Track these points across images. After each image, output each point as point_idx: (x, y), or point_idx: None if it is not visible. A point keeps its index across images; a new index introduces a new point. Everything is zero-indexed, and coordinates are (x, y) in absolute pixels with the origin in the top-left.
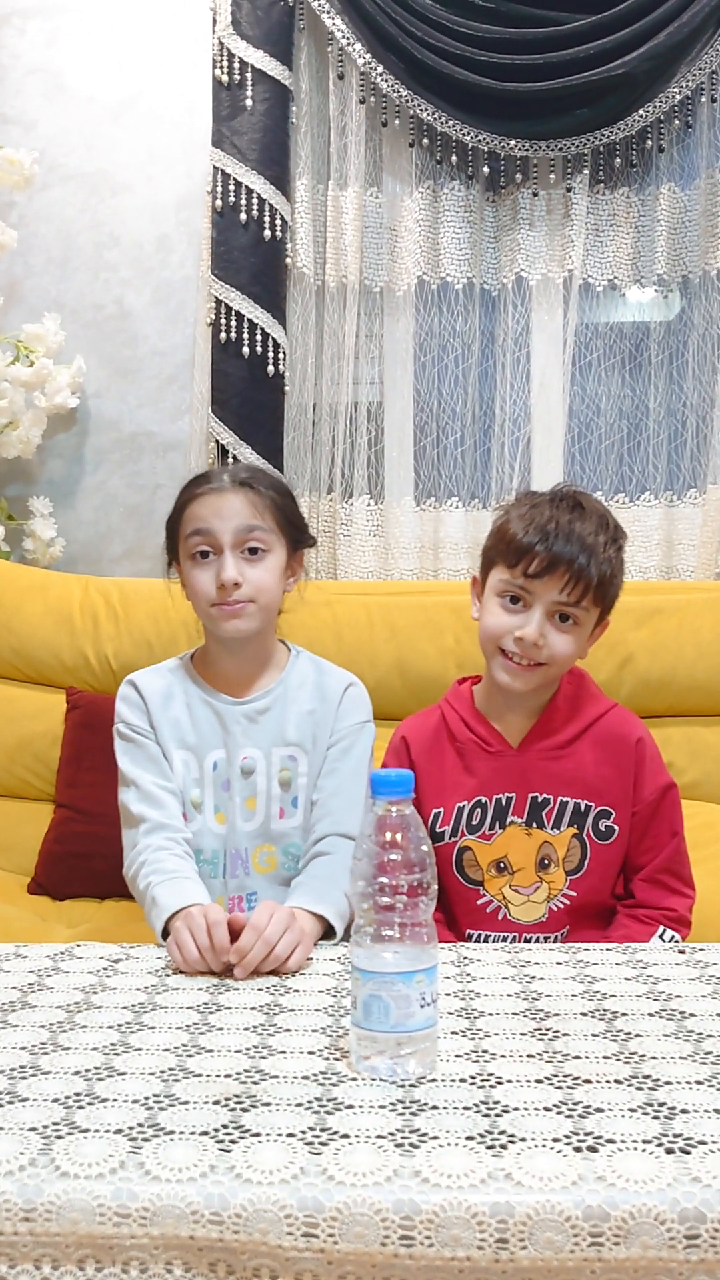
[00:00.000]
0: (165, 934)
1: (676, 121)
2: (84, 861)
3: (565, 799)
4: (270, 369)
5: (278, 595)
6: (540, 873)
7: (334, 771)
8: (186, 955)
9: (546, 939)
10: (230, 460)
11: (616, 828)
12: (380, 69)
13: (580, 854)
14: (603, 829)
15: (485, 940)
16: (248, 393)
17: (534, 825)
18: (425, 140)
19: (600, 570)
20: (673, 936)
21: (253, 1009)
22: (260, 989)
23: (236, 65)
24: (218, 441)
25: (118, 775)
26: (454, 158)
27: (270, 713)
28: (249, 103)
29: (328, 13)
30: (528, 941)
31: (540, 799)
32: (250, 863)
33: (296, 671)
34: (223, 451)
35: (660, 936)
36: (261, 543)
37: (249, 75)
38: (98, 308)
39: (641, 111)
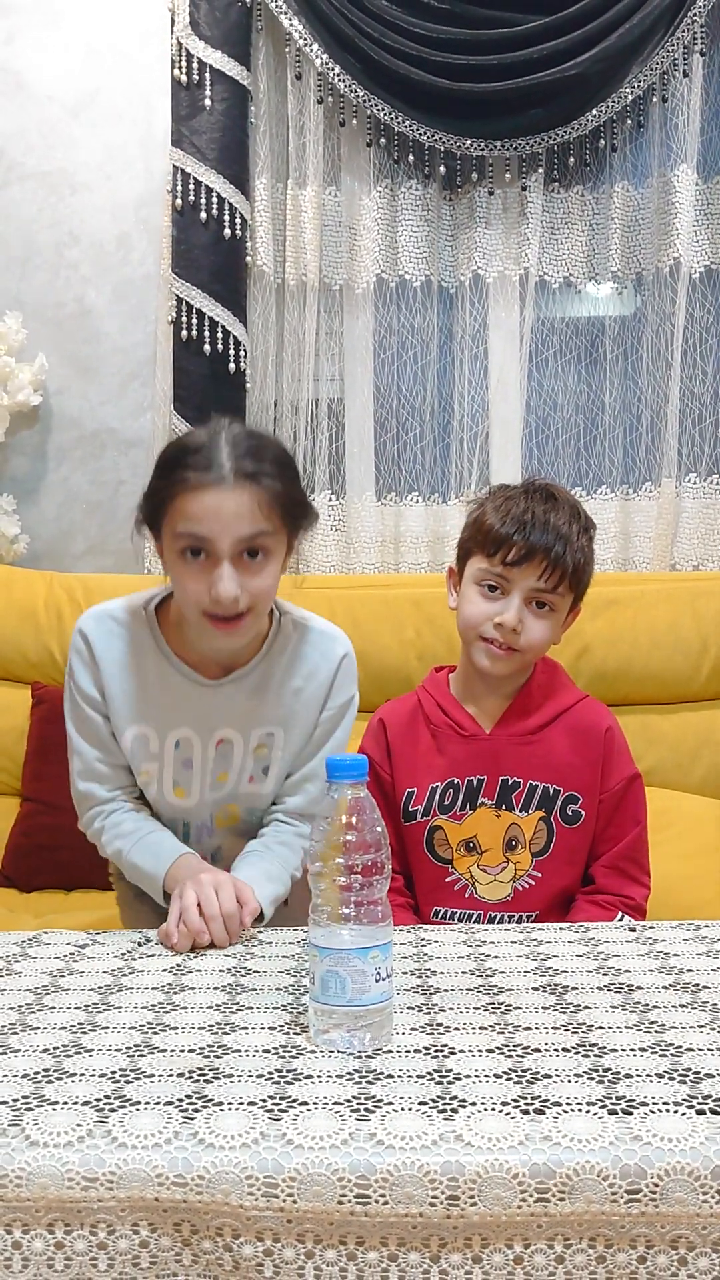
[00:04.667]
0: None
1: (629, 121)
2: (51, 853)
3: (535, 783)
4: (231, 366)
5: (275, 592)
6: (507, 853)
7: (316, 753)
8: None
9: (511, 918)
10: None
11: (583, 813)
12: (338, 69)
13: (546, 837)
14: (570, 814)
15: (451, 918)
16: (209, 390)
17: (503, 807)
18: (383, 140)
19: (575, 558)
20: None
21: (216, 989)
22: (223, 970)
23: (195, 65)
24: None
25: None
26: (411, 157)
27: (253, 694)
28: (208, 102)
29: (285, 14)
30: (492, 920)
31: (510, 782)
32: (214, 824)
33: (281, 641)
34: None
35: (618, 921)
36: (264, 547)
37: (208, 75)
38: (59, 306)
39: (595, 111)
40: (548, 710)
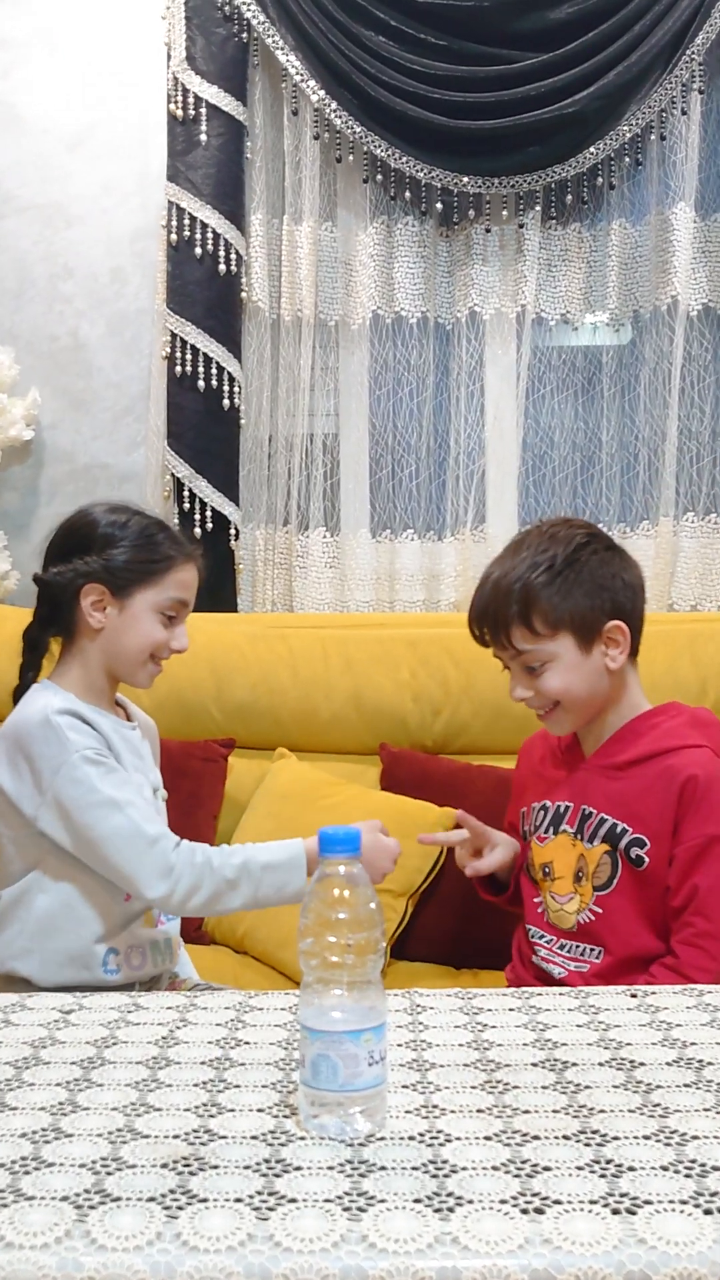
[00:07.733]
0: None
1: (626, 159)
2: None
3: (605, 816)
4: (226, 402)
5: None
6: (575, 885)
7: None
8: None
9: (577, 947)
10: (185, 493)
11: (648, 859)
12: (334, 105)
13: (610, 871)
14: (634, 856)
15: (540, 939)
16: (203, 425)
17: (579, 837)
18: (379, 176)
19: (515, 600)
20: None
21: (203, 1064)
22: (211, 1042)
23: (191, 100)
24: (173, 474)
25: (90, 802)
26: (408, 193)
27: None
28: (204, 138)
29: (282, 50)
30: (561, 948)
31: (587, 812)
32: None
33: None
34: (178, 484)
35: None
36: None
37: (204, 110)
38: (52, 339)
39: (592, 149)
40: (643, 750)
